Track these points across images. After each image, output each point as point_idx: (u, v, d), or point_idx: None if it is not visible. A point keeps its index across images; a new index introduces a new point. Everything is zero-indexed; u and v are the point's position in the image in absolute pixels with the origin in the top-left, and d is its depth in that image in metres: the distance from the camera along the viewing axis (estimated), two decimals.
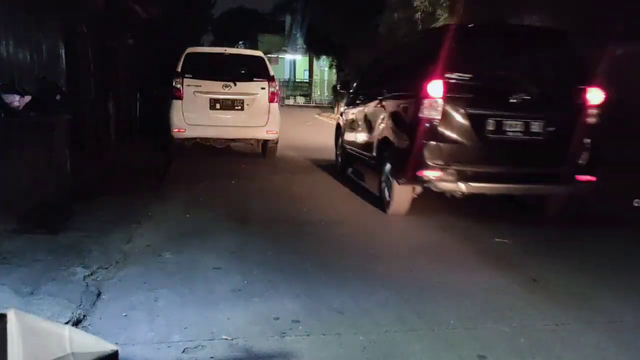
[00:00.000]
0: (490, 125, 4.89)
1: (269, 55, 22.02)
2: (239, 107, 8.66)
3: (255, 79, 8.78)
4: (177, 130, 8.50)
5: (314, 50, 22.53)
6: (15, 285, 3.24)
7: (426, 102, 4.86)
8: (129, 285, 3.45)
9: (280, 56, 33.03)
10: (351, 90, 8.15)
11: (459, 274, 3.85)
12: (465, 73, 4.89)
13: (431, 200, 5.63)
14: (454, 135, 4.89)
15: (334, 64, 21.34)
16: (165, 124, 8.79)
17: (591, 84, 5.08)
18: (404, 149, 5.17)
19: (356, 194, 6.61)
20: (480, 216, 5.50)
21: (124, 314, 3.02)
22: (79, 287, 3.34)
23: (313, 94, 33.23)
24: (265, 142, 9.09)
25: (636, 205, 6.05)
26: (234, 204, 5.91)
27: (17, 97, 5.06)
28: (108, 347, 1.87)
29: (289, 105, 28.54)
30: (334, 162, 8.53)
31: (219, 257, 4.04)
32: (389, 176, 5.44)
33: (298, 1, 24.82)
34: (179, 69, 8.61)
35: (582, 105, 5.01)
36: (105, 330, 2.79)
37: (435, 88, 4.83)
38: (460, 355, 2.69)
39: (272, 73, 9.02)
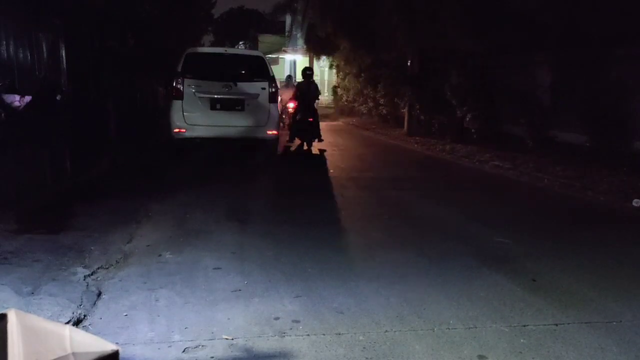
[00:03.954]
0: None
1: (269, 56, 22.02)
2: (239, 107, 8.67)
3: (255, 79, 8.79)
4: (177, 130, 8.49)
5: (314, 50, 22.53)
6: (15, 285, 3.24)
7: None
8: (129, 285, 3.45)
9: (280, 56, 32.95)
10: None
11: (459, 273, 3.86)
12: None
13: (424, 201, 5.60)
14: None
15: (334, 64, 21.31)
16: (166, 123, 8.80)
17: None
18: None
19: None
20: (481, 216, 5.51)
21: (125, 314, 3.02)
22: (80, 287, 3.34)
23: None
24: (265, 142, 9.09)
25: (636, 205, 6.06)
26: (233, 204, 5.91)
27: (17, 97, 5.07)
28: (108, 346, 1.86)
29: None
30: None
31: (219, 257, 4.04)
32: None
33: (298, 1, 24.81)
34: (179, 69, 8.61)
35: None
36: (105, 330, 2.80)
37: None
38: (460, 355, 2.69)
39: (272, 73, 9.04)
